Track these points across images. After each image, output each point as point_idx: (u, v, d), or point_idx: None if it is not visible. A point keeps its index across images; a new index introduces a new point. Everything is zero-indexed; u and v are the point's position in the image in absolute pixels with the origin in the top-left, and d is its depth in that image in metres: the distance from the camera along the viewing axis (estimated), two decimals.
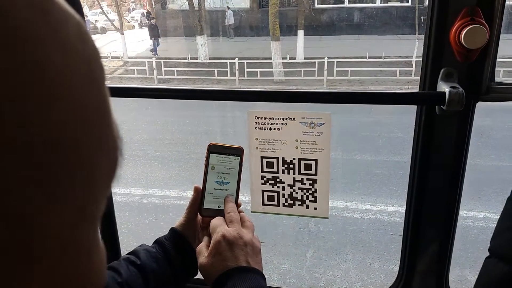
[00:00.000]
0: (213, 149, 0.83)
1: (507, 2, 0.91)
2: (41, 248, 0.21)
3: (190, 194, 0.84)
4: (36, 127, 0.20)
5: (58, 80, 0.21)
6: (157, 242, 0.81)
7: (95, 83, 0.24)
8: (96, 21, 16.69)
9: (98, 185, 0.25)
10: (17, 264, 0.20)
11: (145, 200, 4.56)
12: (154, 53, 13.12)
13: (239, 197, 0.85)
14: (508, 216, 0.73)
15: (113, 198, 0.93)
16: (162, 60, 11.32)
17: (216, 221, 0.77)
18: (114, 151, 0.26)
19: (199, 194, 0.82)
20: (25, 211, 0.20)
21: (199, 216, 0.84)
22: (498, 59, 0.94)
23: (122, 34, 12.99)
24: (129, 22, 18.85)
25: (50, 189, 0.21)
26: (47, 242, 0.21)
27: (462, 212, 1.11)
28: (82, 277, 0.25)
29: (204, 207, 0.82)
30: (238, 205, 0.85)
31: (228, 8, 14.77)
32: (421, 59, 0.99)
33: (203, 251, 0.73)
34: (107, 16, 14.64)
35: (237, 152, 0.85)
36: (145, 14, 18.91)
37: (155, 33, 13.37)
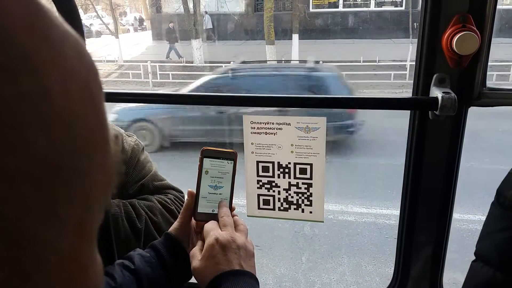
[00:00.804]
0: (207, 153, 0.83)
1: (498, 7, 0.92)
2: (38, 264, 0.21)
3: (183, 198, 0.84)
4: (37, 149, 0.20)
5: (58, 103, 0.21)
6: (151, 246, 0.82)
7: (93, 102, 0.24)
8: (91, 24, 16.66)
9: (96, 202, 0.25)
10: (12, 279, 0.20)
11: None
12: (178, 57, 12.85)
13: (233, 201, 0.86)
14: (492, 220, 0.74)
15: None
16: (157, 64, 11.30)
17: (210, 225, 0.77)
18: (111, 168, 0.27)
19: (193, 199, 0.83)
20: (25, 228, 0.20)
21: (193, 221, 0.84)
22: (490, 63, 0.96)
23: (117, 37, 12.97)
24: (124, 25, 18.83)
25: (51, 208, 0.21)
26: (45, 258, 0.22)
27: (456, 215, 1.13)
28: None
29: (198, 211, 0.83)
30: (232, 209, 0.85)
31: (206, 12, 14.86)
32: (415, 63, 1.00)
33: (196, 255, 0.74)
34: (101, 20, 14.63)
35: (231, 156, 0.85)
36: (137, 18, 18.88)
37: (173, 37, 13.08)
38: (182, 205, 1.07)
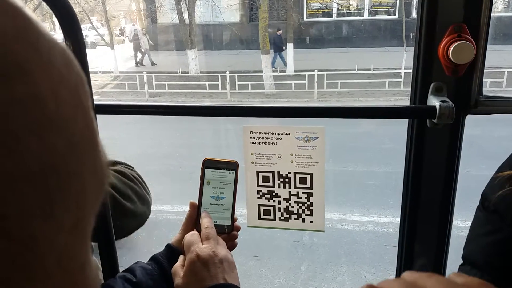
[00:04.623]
0: (208, 164, 0.84)
1: (493, 15, 0.94)
2: (40, 261, 0.22)
3: (182, 208, 0.84)
4: (32, 151, 0.21)
5: (49, 107, 0.23)
6: (153, 259, 0.81)
7: (81, 108, 0.26)
8: (86, 36, 16.69)
9: (88, 203, 0.26)
10: (17, 274, 0.21)
11: None
12: (283, 63, 12.50)
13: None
14: (478, 225, 0.76)
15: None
16: (153, 74, 11.33)
17: (190, 238, 0.76)
18: (102, 172, 0.28)
19: (195, 210, 0.83)
20: (25, 227, 0.21)
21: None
22: (485, 70, 0.98)
23: (113, 48, 13.01)
24: (119, 36, 18.89)
25: (47, 207, 0.23)
26: (45, 256, 0.23)
27: (455, 222, 1.13)
28: None
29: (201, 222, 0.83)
30: (234, 219, 0.86)
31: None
32: (409, 71, 1.02)
33: (178, 272, 0.72)
34: (97, 31, 14.68)
35: (232, 166, 0.85)
36: (120, 29, 19.00)
37: (280, 45, 12.69)
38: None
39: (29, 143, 0.21)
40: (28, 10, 0.24)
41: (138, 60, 13.98)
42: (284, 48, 12.64)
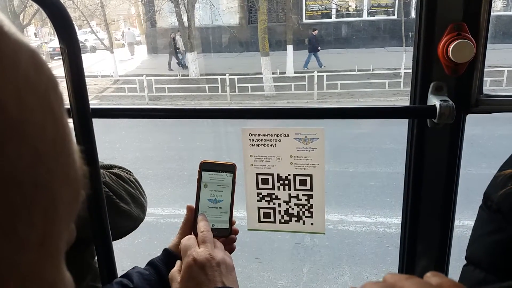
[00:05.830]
0: (205, 166, 0.83)
1: (492, 13, 0.93)
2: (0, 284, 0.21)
3: (183, 211, 0.83)
4: None
5: (12, 114, 0.21)
6: (150, 264, 0.80)
7: (51, 115, 0.24)
8: (85, 40, 16.74)
9: (60, 218, 0.24)
10: None
11: None
12: (318, 64, 12.38)
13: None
14: (480, 224, 0.75)
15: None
16: (152, 78, 11.34)
17: (187, 242, 0.75)
18: (76, 182, 0.26)
19: (192, 213, 0.82)
20: None
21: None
22: (485, 69, 0.97)
23: (112, 52, 13.03)
24: (118, 40, 18.95)
25: (8, 226, 0.20)
26: (7, 279, 0.21)
27: (456, 221, 1.13)
28: None
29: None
30: (232, 222, 0.85)
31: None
32: (409, 71, 1.01)
33: (175, 277, 0.71)
34: (96, 35, 14.70)
35: (230, 168, 0.84)
36: (122, 32, 19.19)
37: (315, 46, 12.64)
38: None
39: None
40: None
41: (181, 62, 14.01)
42: (319, 48, 12.62)
